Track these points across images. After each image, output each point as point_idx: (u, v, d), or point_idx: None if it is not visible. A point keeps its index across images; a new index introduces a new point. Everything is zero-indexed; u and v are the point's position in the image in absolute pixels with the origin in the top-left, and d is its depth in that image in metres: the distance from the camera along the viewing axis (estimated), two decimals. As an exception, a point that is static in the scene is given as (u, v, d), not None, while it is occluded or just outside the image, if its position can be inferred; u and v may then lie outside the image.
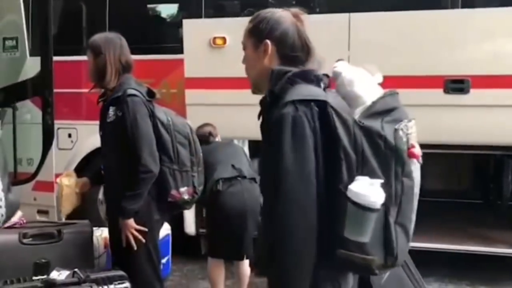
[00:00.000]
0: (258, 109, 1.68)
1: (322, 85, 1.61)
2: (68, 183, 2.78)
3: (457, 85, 3.87)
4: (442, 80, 3.86)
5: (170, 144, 2.62)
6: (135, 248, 2.47)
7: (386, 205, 1.48)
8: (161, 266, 3.93)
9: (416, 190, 1.57)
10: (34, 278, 2.00)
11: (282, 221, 1.49)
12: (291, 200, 1.48)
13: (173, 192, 2.62)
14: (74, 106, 4.80)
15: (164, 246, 4.03)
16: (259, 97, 1.69)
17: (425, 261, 4.67)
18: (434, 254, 4.49)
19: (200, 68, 4.31)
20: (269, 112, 1.58)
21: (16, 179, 4.94)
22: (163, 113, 2.67)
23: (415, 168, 1.57)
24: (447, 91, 3.87)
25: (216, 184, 3.46)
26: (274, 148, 1.52)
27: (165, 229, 4.07)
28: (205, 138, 3.88)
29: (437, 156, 4.53)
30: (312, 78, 1.59)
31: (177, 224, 4.57)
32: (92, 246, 2.68)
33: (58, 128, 4.73)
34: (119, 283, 2.03)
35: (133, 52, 2.71)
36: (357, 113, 1.56)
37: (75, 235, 2.59)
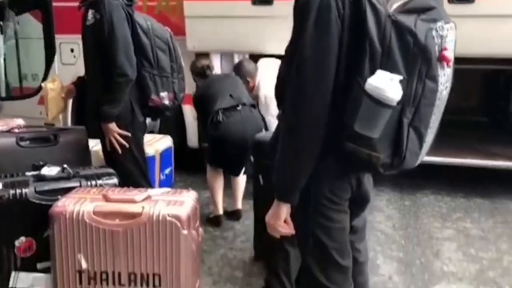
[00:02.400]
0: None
1: None
2: (53, 86, 2.85)
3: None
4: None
5: (150, 49, 2.66)
6: (120, 151, 2.60)
7: (402, 104, 1.45)
8: (163, 177, 4.11)
9: (441, 96, 1.51)
10: (27, 173, 2.10)
11: (291, 108, 1.52)
12: (304, 88, 1.49)
13: (154, 97, 2.69)
14: (75, 21, 4.77)
15: (167, 157, 4.16)
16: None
17: (422, 174, 4.78)
18: (432, 167, 4.55)
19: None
20: None
21: (21, 94, 5.06)
22: (142, 18, 2.70)
23: (444, 73, 1.50)
24: (451, 1, 3.76)
25: (216, 115, 3.51)
26: (297, 34, 1.49)
27: (167, 141, 4.19)
28: (201, 71, 3.89)
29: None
30: None
31: (180, 138, 4.69)
32: (88, 150, 2.77)
33: (61, 43, 4.74)
34: (107, 179, 2.13)
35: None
36: (393, 7, 1.48)
37: (71, 139, 2.68)
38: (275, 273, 2.57)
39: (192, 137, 4.70)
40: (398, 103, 1.43)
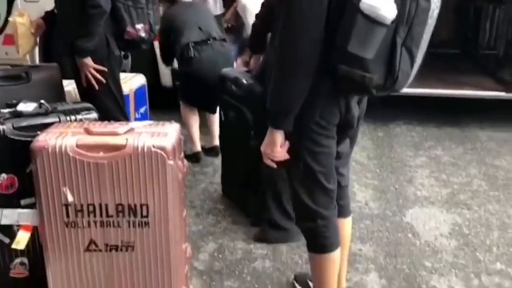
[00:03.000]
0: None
1: None
2: (23, 21, 2.73)
3: None
4: None
5: None
6: (96, 87, 2.55)
7: (396, 23, 1.45)
8: (139, 115, 4.06)
9: (432, 15, 1.51)
10: (2, 110, 2.04)
11: (286, 29, 1.51)
12: (298, 12, 1.48)
13: (129, 29, 2.62)
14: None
15: (141, 96, 4.09)
16: None
17: (395, 105, 4.87)
18: (404, 98, 4.62)
19: None
20: None
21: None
22: None
23: None
24: None
25: (188, 50, 3.41)
26: None
27: (140, 80, 4.11)
28: None
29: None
30: None
31: (153, 77, 4.60)
32: (62, 87, 2.70)
33: (22, -21, 4.49)
34: (86, 114, 2.09)
35: None
36: None
37: (44, 76, 2.59)
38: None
39: (166, 76, 4.62)
40: (392, 21, 1.44)
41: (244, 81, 2.75)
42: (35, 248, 2.06)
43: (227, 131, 3.17)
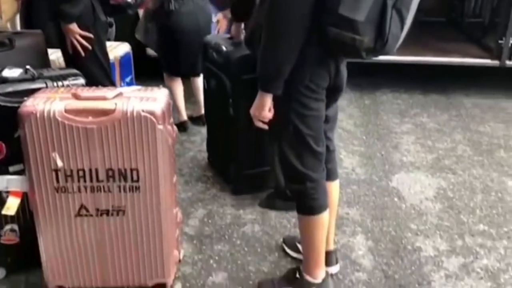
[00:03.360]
0: None
1: None
2: None
3: None
4: None
5: None
6: (83, 53, 2.51)
7: None
8: (124, 85, 4.02)
9: None
10: (-15, 75, 2.01)
11: None
12: None
13: None
14: None
15: (126, 64, 4.04)
16: None
17: (381, 74, 4.90)
18: (390, 66, 4.65)
19: None
20: None
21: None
22: None
23: None
24: None
25: (168, 4, 3.36)
26: None
27: (125, 48, 4.05)
28: None
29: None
30: None
31: (138, 46, 4.54)
32: (46, 54, 2.66)
33: None
34: (73, 79, 2.07)
35: None
36: None
37: (28, 43, 2.54)
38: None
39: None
40: None
41: (224, 48, 2.72)
42: (25, 215, 2.07)
43: (209, 99, 3.15)
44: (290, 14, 1.52)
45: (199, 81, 3.67)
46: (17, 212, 1.98)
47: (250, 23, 1.84)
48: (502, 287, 2.15)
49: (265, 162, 2.74)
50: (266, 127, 1.74)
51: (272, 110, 1.69)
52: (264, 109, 1.67)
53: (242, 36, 2.61)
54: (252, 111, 1.70)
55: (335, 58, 1.70)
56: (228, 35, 2.95)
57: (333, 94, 1.83)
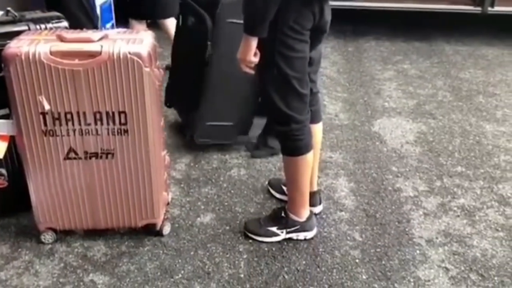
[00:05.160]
0: None
1: None
2: None
3: None
4: None
5: None
6: None
7: None
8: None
9: None
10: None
11: None
12: None
13: None
14: None
15: (106, 12, 3.96)
16: None
17: (365, 21, 4.88)
18: (373, 13, 4.64)
19: None
20: None
21: None
22: None
23: None
24: None
25: None
26: None
27: (105, -6, 3.95)
28: None
29: None
30: None
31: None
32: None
33: None
34: (57, 22, 2.03)
35: None
36: None
37: None
38: None
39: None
40: None
41: None
42: (13, 159, 2.08)
43: (181, 38, 2.90)
44: None
45: (170, 22, 3.46)
46: (5, 156, 1.99)
47: None
48: (477, 223, 2.26)
49: (228, 117, 2.68)
50: (252, 72, 1.75)
51: (258, 54, 1.70)
52: (250, 53, 1.68)
53: None
54: (239, 55, 1.71)
55: None
56: None
57: (316, 35, 1.84)
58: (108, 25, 4.01)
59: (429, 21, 4.87)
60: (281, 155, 2.04)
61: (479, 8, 4.41)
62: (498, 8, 4.39)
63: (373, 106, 3.36)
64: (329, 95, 3.50)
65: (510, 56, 4.26)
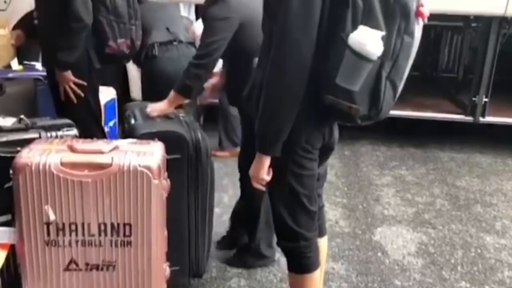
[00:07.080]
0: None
1: None
2: (4, 32, 2.68)
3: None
4: None
5: None
6: (75, 101, 2.52)
7: (382, 59, 1.51)
8: (108, 129, 4.01)
9: (414, 50, 1.59)
10: (-22, 124, 1.99)
11: (278, 57, 1.55)
12: (290, 40, 1.52)
13: (111, 43, 2.61)
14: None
15: (110, 110, 4.06)
16: None
17: (360, 126, 4.99)
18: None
19: None
20: None
21: None
22: None
23: (418, 28, 1.57)
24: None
25: (152, 49, 3.39)
26: None
27: (110, 94, 4.08)
28: None
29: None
30: None
31: (123, 89, 4.57)
32: (36, 99, 2.66)
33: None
34: (67, 130, 2.06)
35: None
36: None
37: (18, 89, 2.55)
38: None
39: (135, 89, 4.59)
40: (378, 57, 1.50)
41: (133, 120, 2.36)
42: (9, 268, 2.01)
43: None
44: (292, 80, 1.57)
45: None
46: (2, 264, 1.92)
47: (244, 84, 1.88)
48: None
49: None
50: (263, 189, 1.76)
51: (271, 172, 1.72)
52: (263, 170, 1.69)
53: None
54: (252, 172, 1.72)
55: (330, 122, 1.75)
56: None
57: (325, 153, 1.87)
58: (111, 123, 4.09)
59: (423, 128, 5.02)
60: (279, 265, 1.99)
61: (470, 118, 4.58)
62: (489, 119, 4.56)
63: (373, 213, 3.36)
64: (329, 200, 3.50)
65: (504, 165, 4.36)
